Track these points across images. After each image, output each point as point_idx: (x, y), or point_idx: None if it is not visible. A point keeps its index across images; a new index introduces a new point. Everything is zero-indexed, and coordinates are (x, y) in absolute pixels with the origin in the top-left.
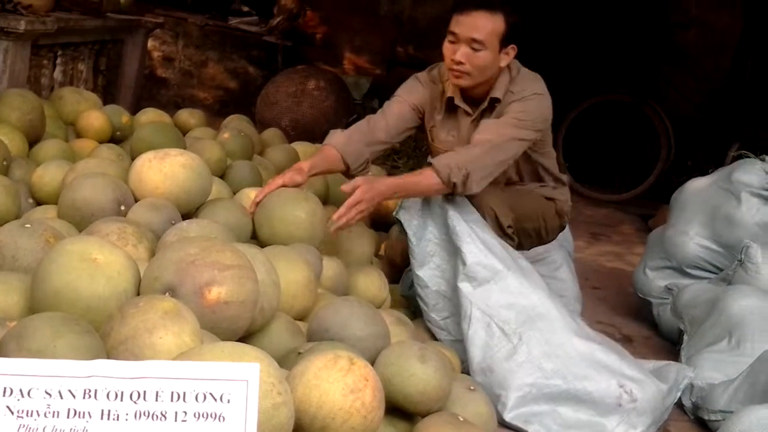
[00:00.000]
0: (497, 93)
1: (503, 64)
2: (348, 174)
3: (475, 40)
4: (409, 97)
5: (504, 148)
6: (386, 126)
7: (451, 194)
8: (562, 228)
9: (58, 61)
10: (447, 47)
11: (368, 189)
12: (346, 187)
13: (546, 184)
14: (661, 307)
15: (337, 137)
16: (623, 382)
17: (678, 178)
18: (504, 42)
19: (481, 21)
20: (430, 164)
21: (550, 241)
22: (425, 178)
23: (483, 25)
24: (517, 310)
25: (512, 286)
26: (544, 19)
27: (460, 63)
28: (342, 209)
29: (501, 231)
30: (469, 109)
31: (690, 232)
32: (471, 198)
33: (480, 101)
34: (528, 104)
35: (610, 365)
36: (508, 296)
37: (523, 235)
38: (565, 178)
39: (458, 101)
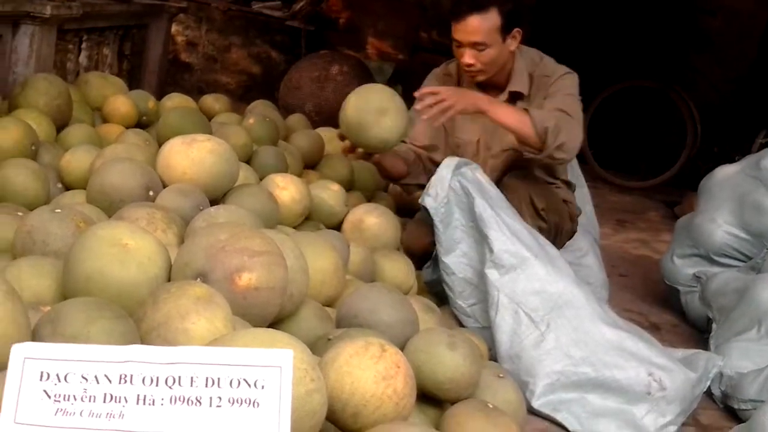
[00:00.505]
0: (517, 86)
1: (513, 47)
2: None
3: (476, 42)
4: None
5: (580, 122)
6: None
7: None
8: (571, 234)
9: (84, 45)
10: (455, 51)
11: (457, 94)
12: (422, 91)
13: (560, 186)
14: (689, 295)
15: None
16: (652, 370)
17: (704, 165)
18: (504, 31)
19: (475, 24)
20: (526, 110)
21: (560, 248)
22: (520, 122)
23: (479, 28)
24: (545, 297)
25: (539, 274)
26: (571, 5)
27: (470, 65)
28: (427, 100)
29: (535, 212)
30: None
31: (718, 220)
32: (505, 180)
33: (498, 88)
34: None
35: (639, 353)
36: (536, 283)
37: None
38: (573, 183)
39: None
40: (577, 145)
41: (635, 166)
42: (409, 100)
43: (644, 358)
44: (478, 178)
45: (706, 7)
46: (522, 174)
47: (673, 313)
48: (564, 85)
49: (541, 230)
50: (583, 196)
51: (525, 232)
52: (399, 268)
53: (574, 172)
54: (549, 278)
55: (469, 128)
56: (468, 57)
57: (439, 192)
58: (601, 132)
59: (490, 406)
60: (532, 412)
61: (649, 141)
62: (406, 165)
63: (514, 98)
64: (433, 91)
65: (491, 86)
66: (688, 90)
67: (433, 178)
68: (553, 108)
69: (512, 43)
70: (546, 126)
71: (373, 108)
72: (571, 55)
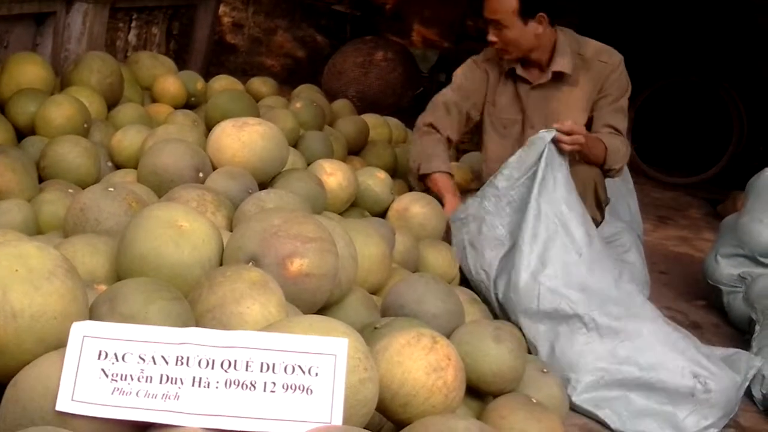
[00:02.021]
0: (559, 66)
1: (539, 31)
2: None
3: (494, 20)
4: (464, 81)
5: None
6: (453, 126)
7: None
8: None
9: (133, 24)
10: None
11: (582, 130)
12: (560, 125)
13: None
14: (732, 295)
15: (438, 163)
16: (698, 371)
17: (749, 164)
18: (524, 14)
19: (494, 4)
20: (602, 141)
21: None
22: (599, 154)
23: (496, 7)
24: (590, 293)
25: (585, 269)
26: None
27: (492, 42)
28: (567, 132)
29: (596, 203)
30: (528, 77)
31: (765, 220)
32: (575, 167)
33: (540, 68)
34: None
35: (686, 354)
36: (581, 278)
37: (598, 222)
38: None
39: (519, 71)
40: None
41: (677, 162)
42: None
43: (691, 359)
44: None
45: (761, 4)
46: (592, 165)
47: (714, 313)
48: (621, 87)
49: (595, 222)
50: (628, 192)
51: (577, 224)
52: (443, 258)
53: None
54: (595, 274)
55: (513, 107)
56: (491, 35)
57: (514, 173)
58: (645, 126)
59: (534, 401)
60: (571, 407)
61: (693, 137)
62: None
63: (557, 78)
64: (579, 131)
65: (534, 65)
66: (737, 87)
67: (512, 158)
68: (618, 130)
69: (537, 27)
70: (612, 168)
71: None
72: (619, 48)
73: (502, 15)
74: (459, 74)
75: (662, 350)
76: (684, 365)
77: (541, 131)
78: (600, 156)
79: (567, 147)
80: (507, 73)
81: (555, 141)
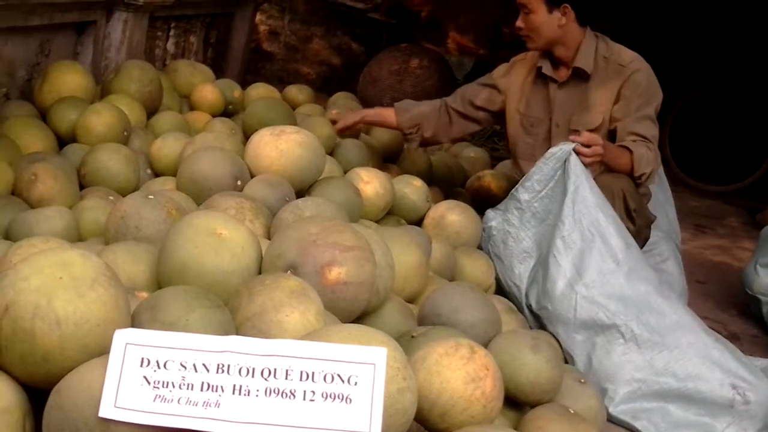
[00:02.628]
0: (581, 63)
1: (563, 23)
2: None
3: (522, 4)
4: (496, 75)
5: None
6: (462, 97)
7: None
8: (646, 241)
9: (172, 33)
10: None
11: (600, 141)
12: (577, 137)
13: (644, 193)
14: None
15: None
16: (737, 383)
17: None
18: (550, 2)
19: None
20: (627, 148)
21: None
22: (624, 161)
23: None
24: (627, 303)
25: (623, 278)
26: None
27: (520, 28)
28: (586, 145)
29: (626, 212)
30: (555, 76)
31: None
32: (599, 175)
33: (565, 64)
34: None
35: (725, 365)
36: (619, 288)
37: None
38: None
39: (546, 69)
40: (656, 174)
41: (715, 170)
42: None
43: (730, 370)
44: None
45: None
46: (620, 174)
47: (753, 323)
48: (646, 94)
49: (628, 231)
50: (666, 200)
51: (614, 233)
52: (479, 267)
53: (658, 176)
54: (633, 283)
55: (542, 107)
56: (519, 21)
57: (536, 185)
58: (683, 134)
59: (571, 411)
60: (608, 418)
61: (731, 145)
62: (395, 114)
63: (578, 75)
64: (596, 142)
65: (558, 62)
66: None
67: (532, 170)
68: (644, 137)
69: (561, 18)
70: (643, 173)
71: None
72: (657, 55)
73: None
74: (496, 70)
75: (700, 361)
76: (723, 376)
77: (560, 144)
78: (626, 163)
79: (587, 159)
80: (537, 74)
81: (576, 152)
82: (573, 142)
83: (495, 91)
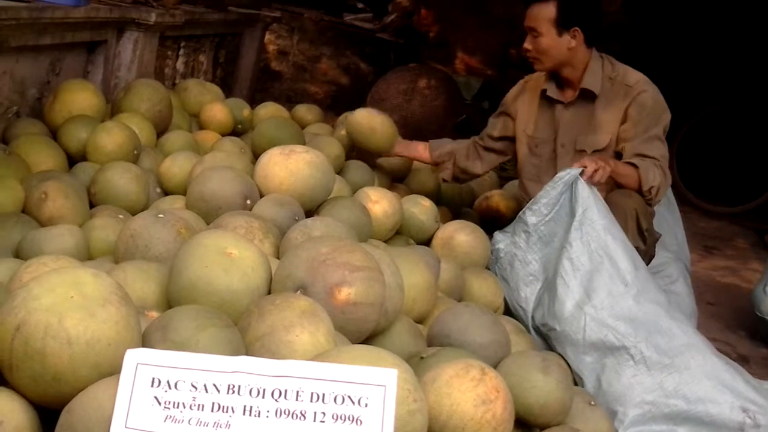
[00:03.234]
0: (589, 84)
1: (572, 45)
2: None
3: (531, 28)
4: (507, 100)
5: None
6: (485, 132)
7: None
8: (650, 260)
9: (181, 52)
10: None
11: (603, 159)
12: (579, 164)
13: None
14: None
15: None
16: (747, 406)
17: None
18: (560, 25)
19: (534, 11)
20: (634, 165)
21: None
22: (632, 177)
23: (536, 14)
24: (637, 324)
25: (632, 300)
26: (669, 25)
27: (527, 50)
28: (591, 168)
29: (638, 231)
30: (561, 98)
31: None
32: (611, 194)
33: (572, 85)
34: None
35: (735, 388)
36: (627, 310)
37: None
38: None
39: (551, 92)
40: (666, 191)
41: (723, 191)
42: None
43: (740, 393)
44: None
45: None
46: (627, 191)
47: (763, 345)
48: (653, 115)
49: (638, 250)
50: (675, 221)
51: (622, 255)
52: (488, 287)
53: (666, 197)
54: (642, 305)
55: (548, 128)
56: (527, 43)
57: (543, 209)
58: (691, 155)
59: None
60: None
61: (739, 166)
62: (429, 148)
63: (585, 96)
64: (599, 165)
65: (565, 82)
66: None
67: (540, 194)
68: (652, 157)
69: (570, 41)
70: (651, 186)
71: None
72: (665, 76)
73: (539, 22)
74: (507, 95)
75: (710, 384)
76: (733, 399)
77: (566, 169)
78: (634, 179)
79: (596, 178)
80: (543, 95)
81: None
82: (580, 167)
83: (508, 117)
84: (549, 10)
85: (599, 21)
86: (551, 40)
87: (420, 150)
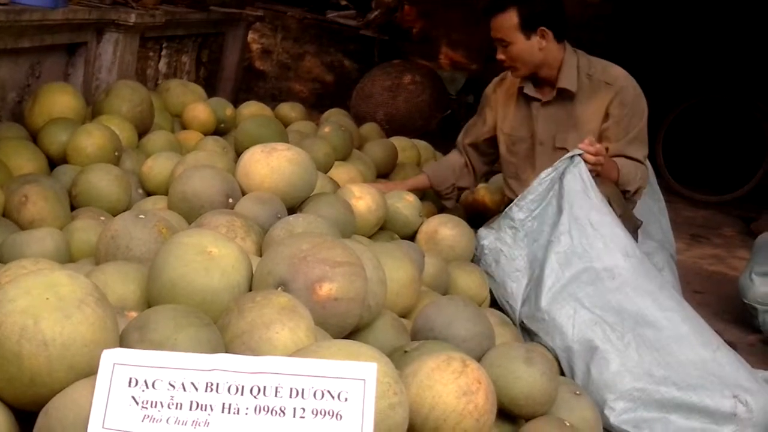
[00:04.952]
0: (565, 83)
1: (543, 45)
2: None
3: (499, 39)
4: (488, 91)
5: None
6: (469, 133)
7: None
8: None
9: (164, 53)
10: None
11: (603, 151)
12: (584, 145)
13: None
14: None
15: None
16: (738, 392)
17: None
18: (525, 28)
19: (497, 23)
20: (615, 163)
21: None
22: (614, 172)
23: (499, 25)
24: (624, 316)
25: (621, 290)
26: (653, 16)
27: (501, 60)
28: (591, 152)
29: None
30: (538, 95)
31: None
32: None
33: (549, 84)
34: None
35: (726, 375)
36: (617, 300)
37: None
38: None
39: (528, 89)
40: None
41: (709, 180)
42: None
43: (730, 379)
44: (581, 181)
45: None
46: (600, 179)
47: (750, 332)
48: (633, 113)
49: None
50: (660, 211)
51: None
52: (473, 280)
53: (651, 186)
54: (630, 295)
55: (524, 125)
56: (499, 54)
57: (530, 205)
58: (677, 144)
59: (567, 424)
60: (608, 429)
61: (725, 155)
62: (428, 180)
63: (563, 94)
64: (601, 151)
65: (542, 81)
66: None
67: (526, 191)
68: (634, 159)
69: (540, 42)
70: (628, 189)
71: None
72: (649, 65)
73: (505, 32)
74: (487, 87)
75: (699, 373)
76: (724, 385)
77: (560, 160)
78: (612, 177)
79: (591, 158)
80: (519, 93)
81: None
82: (580, 149)
83: (490, 112)
84: (511, 18)
85: (562, 14)
86: (522, 46)
87: (420, 184)
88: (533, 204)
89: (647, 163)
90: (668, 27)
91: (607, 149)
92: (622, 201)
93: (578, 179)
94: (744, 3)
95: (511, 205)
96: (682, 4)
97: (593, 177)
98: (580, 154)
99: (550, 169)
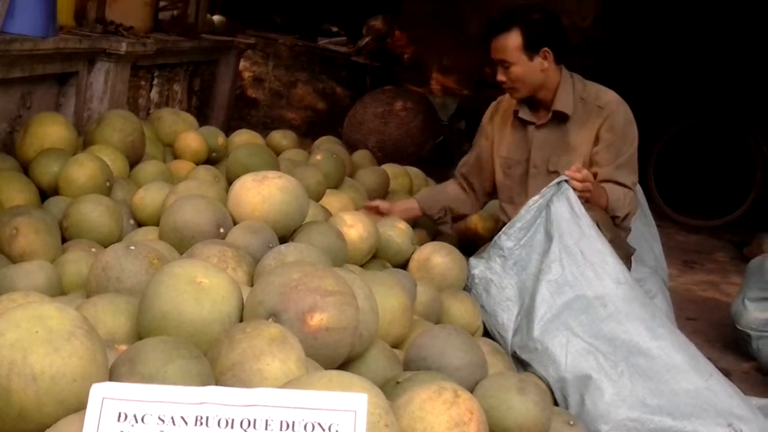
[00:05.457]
0: (561, 106)
1: (545, 66)
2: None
3: (501, 60)
4: (483, 121)
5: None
6: (467, 164)
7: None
8: None
9: (155, 81)
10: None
11: (590, 177)
12: (571, 172)
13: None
14: (761, 340)
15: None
16: (732, 420)
17: None
18: (529, 50)
19: (500, 43)
20: (604, 189)
21: None
22: (603, 198)
23: (502, 46)
24: (619, 344)
25: (614, 319)
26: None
27: (502, 82)
28: (578, 178)
29: None
30: (533, 119)
31: None
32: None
33: (545, 107)
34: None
35: (719, 404)
36: (609, 329)
37: None
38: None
39: (523, 113)
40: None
41: (701, 205)
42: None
43: (724, 407)
44: (569, 207)
45: None
46: (589, 205)
47: (744, 359)
48: (624, 139)
49: None
50: (652, 236)
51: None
52: (465, 309)
53: (643, 211)
54: (623, 324)
55: (520, 149)
56: (499, 74)
57: (519, 233)
58: (668, 169)
59: None
60: None
61: (716, 179)
62: (420, 209)
63: (558, 117)
64: (589, 177)
65: (538, 104)
66: (760, 129)
67: (514, 219)
68: (623, 184)
69: (542, 63)
70: (617, 215)
71: None
72: (640, 89)
73: (508, 53)
74: (483, 117)
75: (693, 402)
76: (717, 414)
77: (547, 187)
78: (602, 203)
79: (578, 185)
80: (515, 116)
81: (568, 183)
82: (567, 175)
83: (486, 142)
84: (515, 38)
85: (564, 35)
86: (524, 67)
87: (410, 210)
88: (521, 232)
89: (638, 188)
90: (659, 51)
91: (595, 175)
92: (611, 226)
93: (566, 205)
94: (735, 27)
95: (500, 233)
96: (673, 28)
97: (582, 203)
98: (566, 180)
99: (537, 197)
